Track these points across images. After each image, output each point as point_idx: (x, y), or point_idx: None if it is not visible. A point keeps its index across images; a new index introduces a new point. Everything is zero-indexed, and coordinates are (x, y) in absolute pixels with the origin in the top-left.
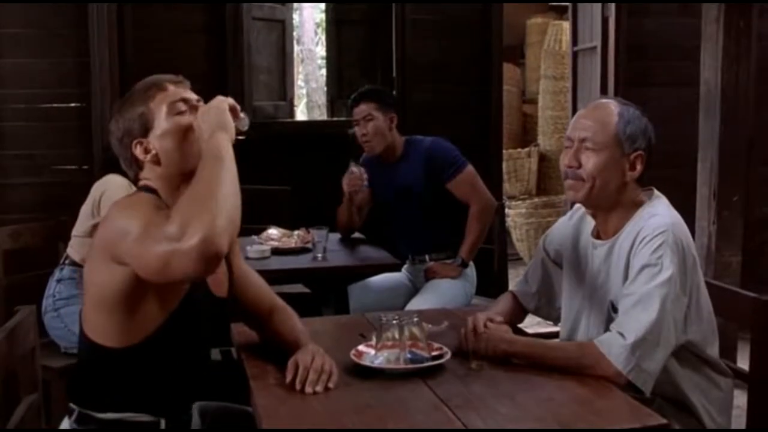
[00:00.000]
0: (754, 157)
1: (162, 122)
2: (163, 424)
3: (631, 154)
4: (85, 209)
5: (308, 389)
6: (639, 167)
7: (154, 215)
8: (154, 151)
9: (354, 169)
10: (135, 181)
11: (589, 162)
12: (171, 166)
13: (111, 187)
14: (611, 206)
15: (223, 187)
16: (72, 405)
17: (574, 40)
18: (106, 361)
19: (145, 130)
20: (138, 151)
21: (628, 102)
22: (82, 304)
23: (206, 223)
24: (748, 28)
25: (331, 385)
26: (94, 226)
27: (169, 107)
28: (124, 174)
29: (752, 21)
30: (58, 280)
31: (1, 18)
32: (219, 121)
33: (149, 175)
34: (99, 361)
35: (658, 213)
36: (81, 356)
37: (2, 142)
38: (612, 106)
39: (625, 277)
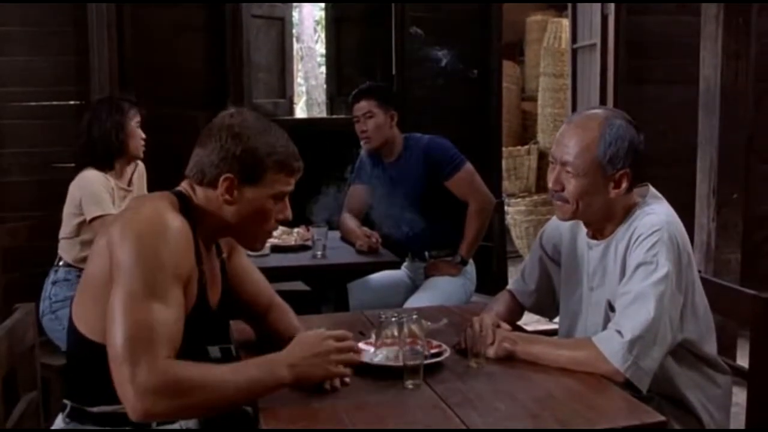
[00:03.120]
0: (754, 154)
1: (262, 195)
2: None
3: (614, 174)
4: (67, 211)
5: (326, 386)
6: (624, 184)
7: (162, 306)
8: (232, 200)
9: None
10: (109, 164)
11: (570, 186)
12: (228, 221)
13: (88, 185)
14: (601, 219)
15: (220, 402)
16: (65, 400)
17: (574, 38)
18: (96, 356)
19: (249, 178)
20: (222, 183)
21: (616, 112)
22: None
23: (174, 406)
24: (748, 25)
25: (347, 380)
26: (80, 225)
27: (278, 193)
28: (95, 164)
29: (751, 19)
30: (53, 282)
31: None
32: (315, 367)
33: (202, 196)
34: (89, 356)
35: (652, 211)
36: (71, 350)
37: (1, 140)
38: (595, 124)
39: (622, 276)
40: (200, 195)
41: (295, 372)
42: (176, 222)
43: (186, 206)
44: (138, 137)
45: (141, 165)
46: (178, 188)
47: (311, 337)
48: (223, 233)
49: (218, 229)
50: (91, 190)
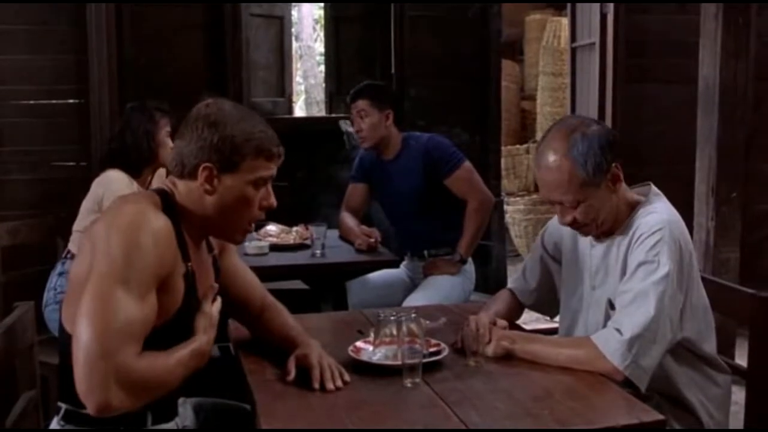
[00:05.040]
0: (753, 153)
1: (242, 182)
2: (149, 418)
3: (605, 176)
4: (86, 205)
5: (330, 385)
6: (620, 179)
7: (134, 301)
8: (212, 189)
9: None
10: (137, 172)
11: (580, 215)
12: (210, 212)
13: (111, 185)
14: (614, 218)
15: (170, 382)
16: (59, 403)
17: (573, 37)
18: None
19: (227, 166)
20: (202, 173)
21: (568, 127)
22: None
23: (132, 401)
24: (747, 25)
25: (347, 378)
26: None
27: (257, 179)
28: (124, 168)
29: (751, 18)
30: (60, 274)
31: None
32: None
33: (183, 190)
34: None
35: (654, 210)
36: (63, 352)
37: (0, 139)
38: (561, 154)
39: (623, 275)
40: (182, 189)
41: (208, 340)
42: (158, 221)
43: (169, 203)
44: (168, 147)
45: (161, 169)
46: (161, 186)
47: (211, 318)
48: (207, 226)
49: (202, 222)
50: (114, 189)
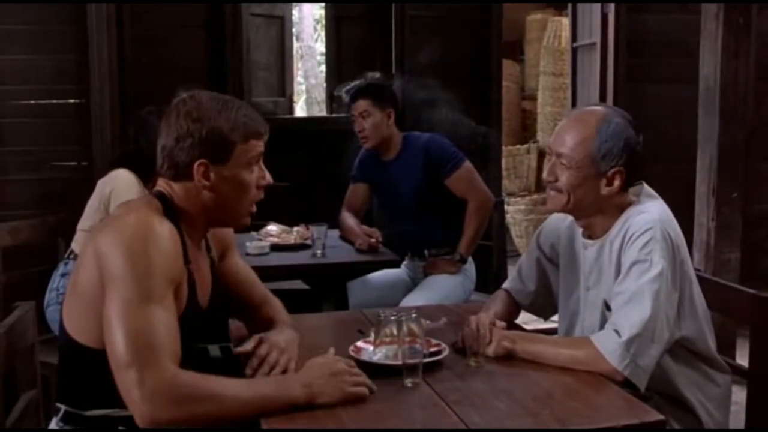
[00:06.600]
0: (753, 153)
1: (238, 168)
2: None
3: (607, 171)
4: (92, 204)
5: (247, 371)
6: (617, 183)
7: (155, 307)
8: (210, 184)
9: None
10: (148, 177)
11: (564, 177)
12: (212, 206)
13: (119, 184)
14: (592, 214)
15: (229, 414)
16: (58, 404)
17: (574, 37)
18: (89, 360)
19: (220, 157)
20: (198, 170)
21: (616, 110)
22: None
23: (183, 416)
24: (748, 25)
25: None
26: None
27: (250, 159)
28: (134, 170)
29: (751, 18)
30: (63, 275)
31: None
32: (330, 387)
33: (181, 191)
34: (82, 360)
35: (645, 210)
36: (63, 355)
37: (1, 139)
38: (593, 120)
39: (617, 276)
40: (179, 191)
41: (310, 392)
42: (163, 227)
43: (169, 207)
44: None
45: None
46: (158, 188)
47: (324, 358)
48: (212, 220)
49: (204, 219)
50: (122, 188)
